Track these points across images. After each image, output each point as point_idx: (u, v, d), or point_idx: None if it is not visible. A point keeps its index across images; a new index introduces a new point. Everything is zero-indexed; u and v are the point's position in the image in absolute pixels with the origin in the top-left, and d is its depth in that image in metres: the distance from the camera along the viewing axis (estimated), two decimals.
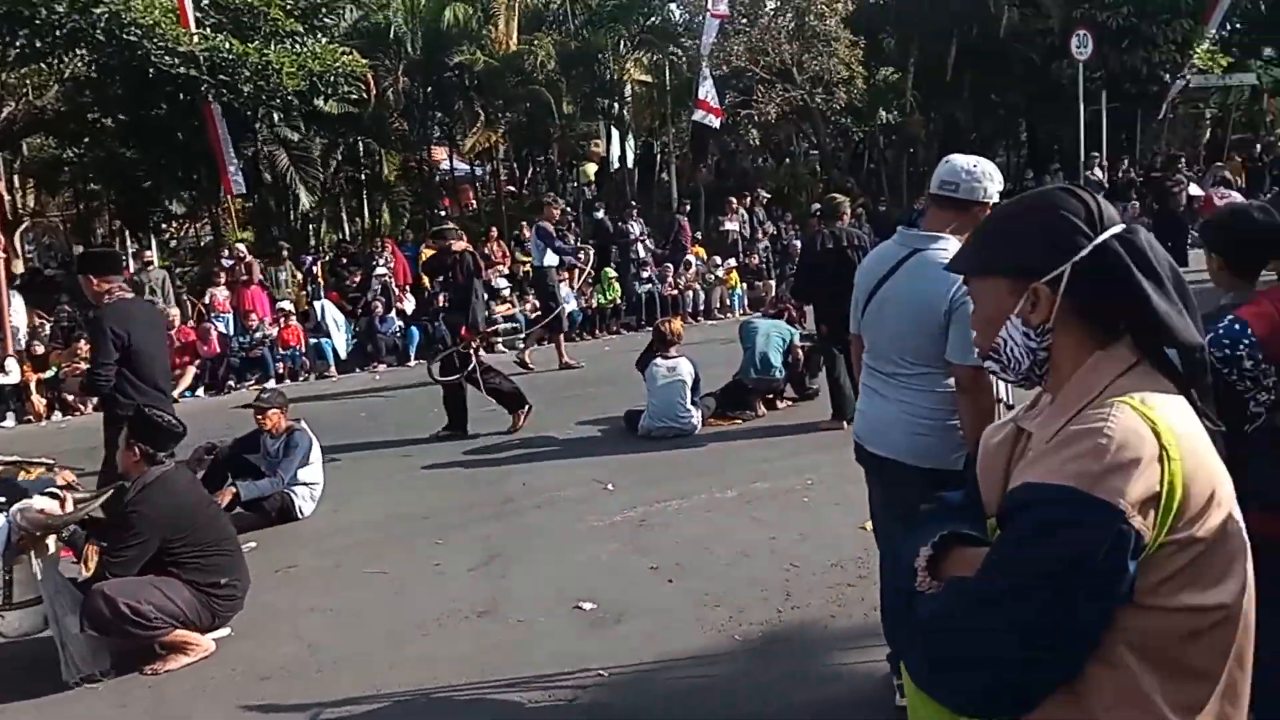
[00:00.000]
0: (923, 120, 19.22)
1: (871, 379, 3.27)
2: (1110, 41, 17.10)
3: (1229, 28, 19.66)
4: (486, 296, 9.24)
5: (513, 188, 21.63)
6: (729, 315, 14.11)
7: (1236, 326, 2.53)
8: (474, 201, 21.98)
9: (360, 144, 17.14)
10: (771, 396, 8.02)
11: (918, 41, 18.16)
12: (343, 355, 12.38)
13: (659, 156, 22.90)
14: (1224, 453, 1.28)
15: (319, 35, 14.36)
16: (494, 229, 15.43)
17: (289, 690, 3.78)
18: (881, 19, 18.20)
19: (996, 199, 3.07)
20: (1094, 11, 17.04)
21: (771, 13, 17.66)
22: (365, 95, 15.64)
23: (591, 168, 23.40)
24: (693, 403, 7.39)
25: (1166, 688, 1.18)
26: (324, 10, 14.65)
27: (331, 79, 13.66)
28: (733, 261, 15.06)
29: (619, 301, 13.82)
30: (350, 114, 15.75)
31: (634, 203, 16.77)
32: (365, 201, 18.74)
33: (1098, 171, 18.30)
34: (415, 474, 6.94)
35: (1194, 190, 15.13)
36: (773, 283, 14.67)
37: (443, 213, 17.68)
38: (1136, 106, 19.72)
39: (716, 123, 16.63)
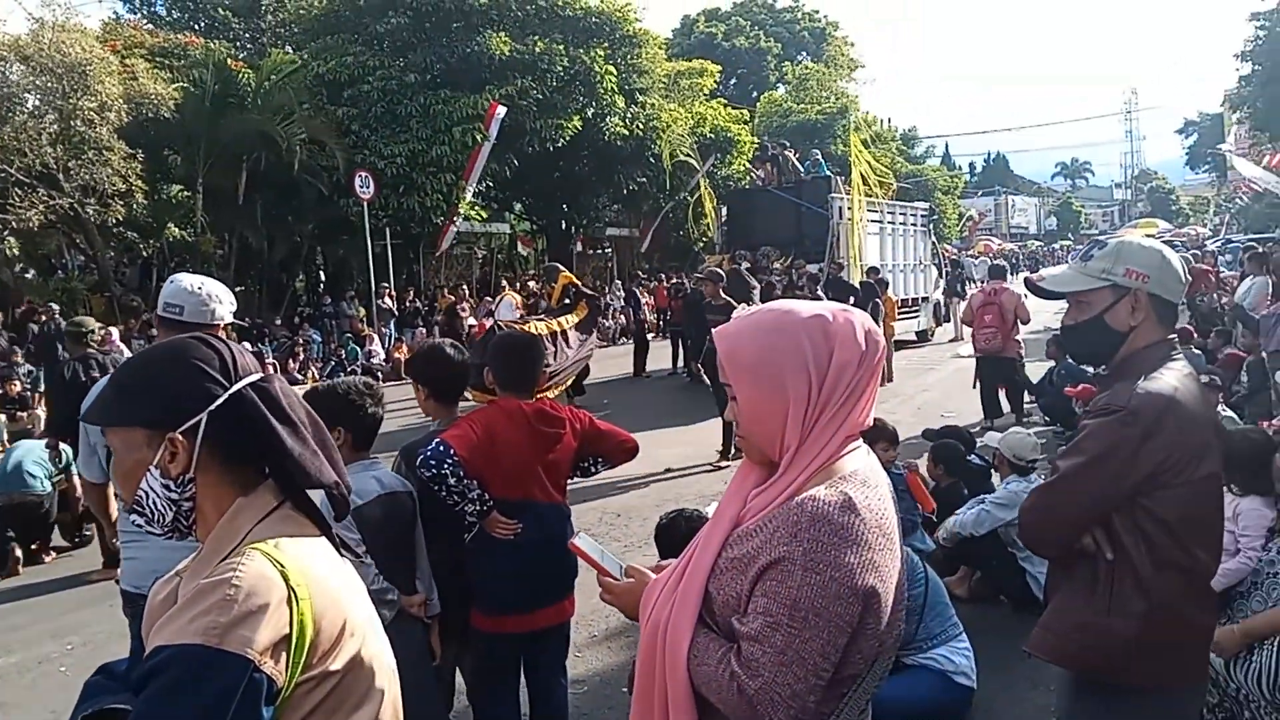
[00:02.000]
0: (216, 240, 18.74)
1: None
2: (390, 185, 18.91)
3: (486, 185, 23.25)
4: None
5: None
6: None
7: (441, 448, 2.91)
8: None
9: None
10: (36, 548, 6.89)
11: (205, 162, 17.76)
12: None
13: None
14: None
15: None
16: None
17: None
18: (164, 135, 17.37)
19: (229, 319, 3.13)
20: (373, 159, 18.72)
21: (29, 112, 15.54)
22: None
23: None
24: None
25: None
26: None
27: None
28: None
29: None
30: None
31: None
32: None
33: (388, 300, 19.95)
34: None
35: (471, 320, 17.46)
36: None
37: None
38: (418, 244, 22.06)
39: None
